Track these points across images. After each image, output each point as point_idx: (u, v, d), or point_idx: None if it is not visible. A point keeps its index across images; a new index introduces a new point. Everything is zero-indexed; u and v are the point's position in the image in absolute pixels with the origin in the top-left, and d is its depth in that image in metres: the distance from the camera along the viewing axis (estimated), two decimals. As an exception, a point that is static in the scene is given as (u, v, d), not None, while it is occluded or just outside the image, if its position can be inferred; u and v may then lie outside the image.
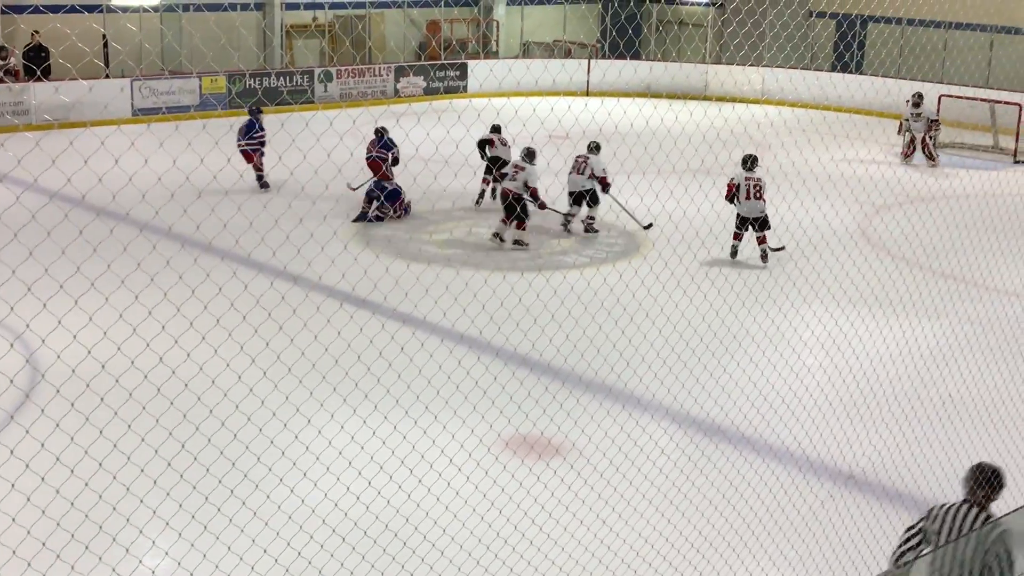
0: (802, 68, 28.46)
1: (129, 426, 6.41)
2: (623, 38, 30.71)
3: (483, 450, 7.78)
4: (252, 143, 16.55)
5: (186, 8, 24.84)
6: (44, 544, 5.66)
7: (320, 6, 28.42)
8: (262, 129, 16.71)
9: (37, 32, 22.43)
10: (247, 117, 16.98)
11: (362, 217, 15.45)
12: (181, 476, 6.66)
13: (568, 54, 31.23)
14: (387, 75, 27.49)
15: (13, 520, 5.73)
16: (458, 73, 28.82)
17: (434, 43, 30.49)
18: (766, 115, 24.89)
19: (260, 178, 16.39)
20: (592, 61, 29.85)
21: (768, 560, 6.95)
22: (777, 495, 7.60)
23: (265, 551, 6.25)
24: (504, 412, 8.41)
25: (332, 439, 7.21)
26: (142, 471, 6.48)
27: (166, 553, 6.75)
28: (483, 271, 13.01)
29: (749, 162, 14.14)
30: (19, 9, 22.50)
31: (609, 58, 30.56)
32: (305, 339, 8.14)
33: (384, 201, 15.49)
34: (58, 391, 6.08)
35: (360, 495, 6.95)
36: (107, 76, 23.09)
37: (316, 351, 7.96)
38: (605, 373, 9.77)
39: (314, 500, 6.88)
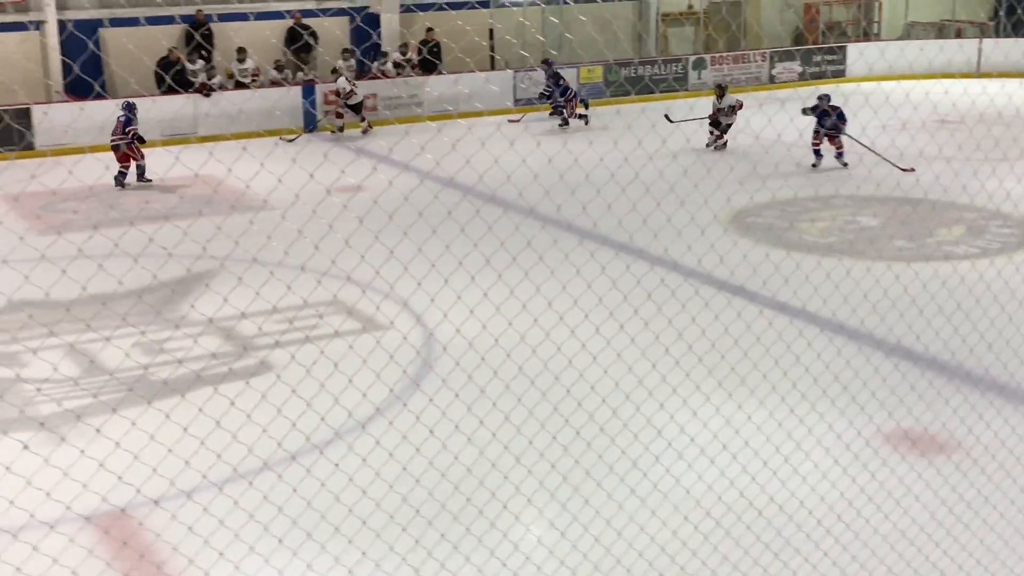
0: None
1: (494, 404, 6.71)
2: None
3: (861, 443, 7.54)
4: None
5: (566, 1, 25.60)
6: (416, 510, 6.08)
7: (696, -7, 28.41)
8: None
9: (432, 29, 23.88)
10: None
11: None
12: (550, 445, 6.90)
13: (958, 34, 29.47)
14: (762, 61, 27.08)
15: (391, 487, 6.18)
16: (837, 56, 27.91)
17: (811, 27, 29.70)
18: None
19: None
20: (983, 40, 28.00)
21: None
22: None
23: (620, 534, 6.37)
24: (884, 405, 8.09)
25: (707, 422, 7.22)
26: (529, 440, 6.77)
27: (527, 529, 7.02)
28: (865, 260, 12.57)
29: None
30: (421, 7, 24.14)
31: (1005, 36, 28.53)
32: (682, 322, 8.20)
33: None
34: (433, 367, 6.46)
35: (734, 480, 6.94)
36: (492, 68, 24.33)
37: (693, 334, 8.00)
38: (997, 370, 9.18)
39: (688, 481, 6.94)
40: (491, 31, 25.14)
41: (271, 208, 12.52)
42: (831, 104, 17.07)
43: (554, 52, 25.11)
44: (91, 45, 21.00)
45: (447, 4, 23.05)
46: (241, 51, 22.17)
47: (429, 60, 23.26)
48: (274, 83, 22.11)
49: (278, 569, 5.66)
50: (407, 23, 24.56)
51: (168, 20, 21.52)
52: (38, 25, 21.27)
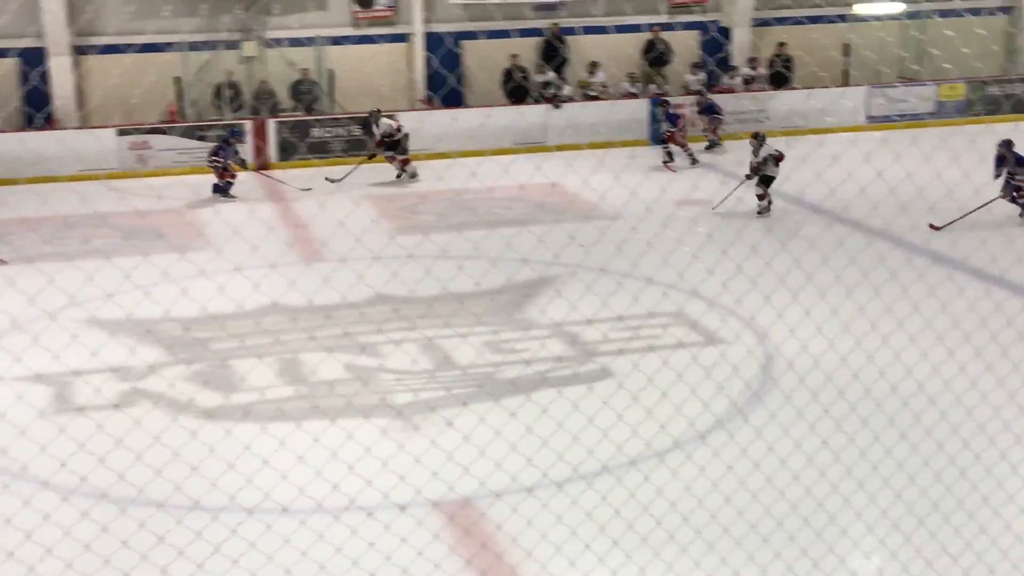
0: None
1: (839, 426, 6.59)
2: None
3: None
4: None
5: (930, 15, 24.48)
6: (754, 527, 6.05)
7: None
8: None
9: (784, 43, 23.51)
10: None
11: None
12: (895, 474, 6.68)
13: None
14: None
15: (727, 500, 6.16)
16: None
17: None
18: None
19: None
20: None
21: None
22: None
23: (966, 574, 6.07)
24: None
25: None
26: (873, 466, 6.61)
27: (867, 557, 6.81)
28: None
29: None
30: (774, 21, 23.88)
31: None
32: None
33: None
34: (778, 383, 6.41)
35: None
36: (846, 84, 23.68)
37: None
38: None
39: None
40: (846, 46, 24.42)
41: (602, 216, 12.69)
42: (1013, 151, 14.36)
43: (915, 67, 24.14)
44: (433, 62, 22.17)
45: (802, 18, 22.56)
46: (592, 64, 22.73)
47: (779, 74, 22.90)
48: (626, 95, 22.45)
49: (612, 569, 5.83)
50: (759, 37, 24.32)
51: (525, 33, 22.36)
52: (405, 37, 22.71)
